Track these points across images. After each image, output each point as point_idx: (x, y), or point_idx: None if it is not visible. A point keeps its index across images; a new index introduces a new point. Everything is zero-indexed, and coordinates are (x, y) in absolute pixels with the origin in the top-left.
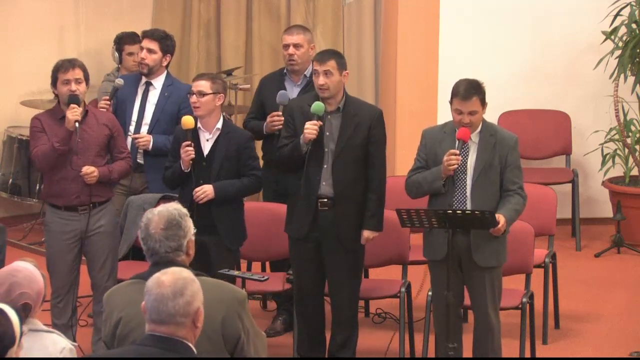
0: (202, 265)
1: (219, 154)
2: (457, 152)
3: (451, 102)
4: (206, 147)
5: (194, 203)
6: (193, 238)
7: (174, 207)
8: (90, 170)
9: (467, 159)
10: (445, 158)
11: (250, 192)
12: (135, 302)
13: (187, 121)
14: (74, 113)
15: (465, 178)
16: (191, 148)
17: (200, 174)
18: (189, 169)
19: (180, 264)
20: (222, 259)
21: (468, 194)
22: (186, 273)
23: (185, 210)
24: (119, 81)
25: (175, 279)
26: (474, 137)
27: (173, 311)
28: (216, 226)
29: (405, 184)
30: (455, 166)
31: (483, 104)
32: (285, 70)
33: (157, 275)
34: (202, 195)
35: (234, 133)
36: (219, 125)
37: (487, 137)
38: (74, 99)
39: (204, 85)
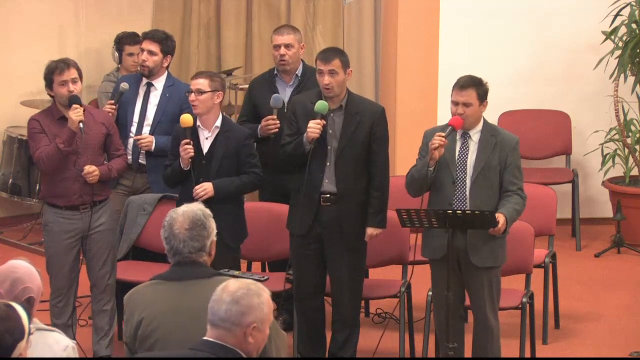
0: None
1: (218, 152)
2: (443, 134)
3: (451, 96)
4: (205, 145)
5: (193, 201)
6: (215, 238)
7: (199, 208)
8: (92, 170)
9: (467, 158)
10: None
11: (250, 189)
12: (156, 303)
13: (186, 119)
14: (77, 114)
15: (465, 177)
16: (190, 146)
17: (199, 172)
18: (189, 167)
19: (202, 265)
20: (221, 257)
21: (467, 193)
22: (254, 286)
23: (209, 211)
24: (124, 85)
25: (239, 287)
26: (474, 136)
27: (224, 316)
28: (216, 224)
29: (405, 181)
30: (440, 148)
31: (481, 99)
32: (275, 71)
33: (230, 280)
34: (202, 193)
35: (233, 131)
36: (218, 123)
37: (487, 137)
38: (75, 99)
39: (202, 83)
